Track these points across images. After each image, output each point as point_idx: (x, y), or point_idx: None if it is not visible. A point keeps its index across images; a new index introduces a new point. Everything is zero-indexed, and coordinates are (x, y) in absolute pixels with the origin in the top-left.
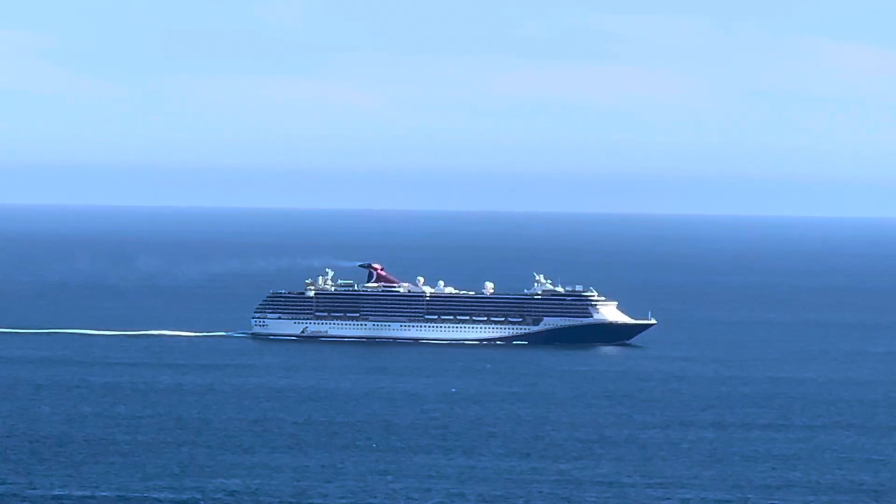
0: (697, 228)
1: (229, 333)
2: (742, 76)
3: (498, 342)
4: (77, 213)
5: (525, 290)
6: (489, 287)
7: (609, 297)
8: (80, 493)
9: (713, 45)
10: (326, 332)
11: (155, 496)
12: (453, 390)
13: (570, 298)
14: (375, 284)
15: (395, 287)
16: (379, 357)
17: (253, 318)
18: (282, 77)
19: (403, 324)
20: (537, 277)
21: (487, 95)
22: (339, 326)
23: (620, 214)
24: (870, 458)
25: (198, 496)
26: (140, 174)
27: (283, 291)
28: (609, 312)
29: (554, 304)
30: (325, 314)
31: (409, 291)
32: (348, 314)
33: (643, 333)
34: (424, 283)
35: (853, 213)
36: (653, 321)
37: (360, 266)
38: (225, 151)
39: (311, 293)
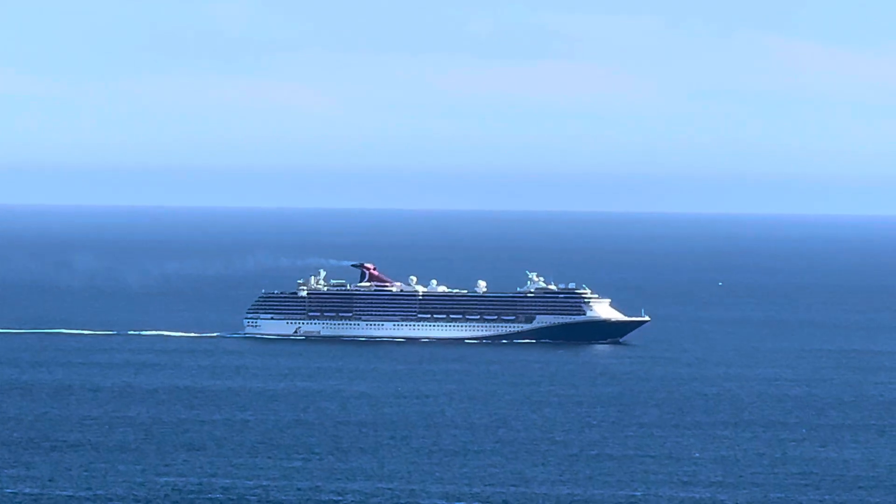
0: (644, 227)
1: (221, 334)
2: (691, 74)
3: (490, 341)
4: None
5: (518, 289)
6: (482, 286)
7: (602, 295)
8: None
9: (663, 44)
10: (319, 332)
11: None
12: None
13: (562, 296)
14: (368, 284)
15: (387, 286)
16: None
17: (246, 318)
18: (228, 76)
19: (396, 323)
20: (530, 276)
21: (435, 94)
22: (332, 326)
23: (568, 212)
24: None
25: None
26: (81, 174)
27: (276, 292)
28: (602, 310)
29: (547, 301)
30: (318, 314)
31: (401, 291)
32: (341, 314)
33: (636, 330)
34: (417, 283)
35: (803, 211)
36: (646, 318)
37: (352, 266)
38: (165, 151)
39: (304, 293)
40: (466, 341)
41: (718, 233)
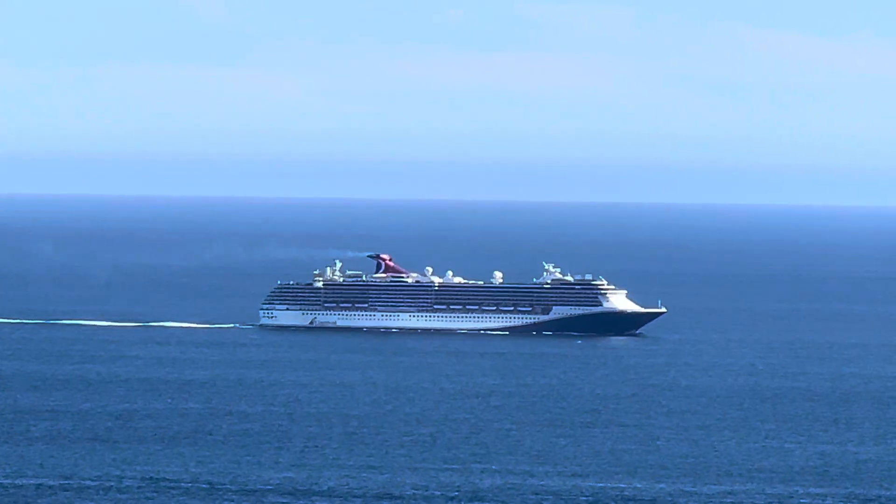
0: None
1: (237, 325)
2: (666, 64)
3: (507, 332)
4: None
5: (534, 280)
6: (498, 277)
7: (618, 286)
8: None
9: (637, 34)
10: (335, 322)
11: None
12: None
13: (579, 287)
14: (384, 275)
15: (403, 277)
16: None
17: (261, 309)
18: (205, 66)
19: (412, 314)
20: (546, 267)
21: (406, 83)
22: (348, 317)
23: (536, 203)
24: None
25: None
26: (59, 163)
27: (291, 283)
28: (618, 301)
29: (563, 293)
30: (334, 305)
31: (417, 282)
32: (357, 305)
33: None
34: (433, 274)
35: (780, 201)
36: (663, 309)
37: (368, 256)
38: (142, 140)
39: (320, 284)
40: (482, 332)
41: (705, 224)
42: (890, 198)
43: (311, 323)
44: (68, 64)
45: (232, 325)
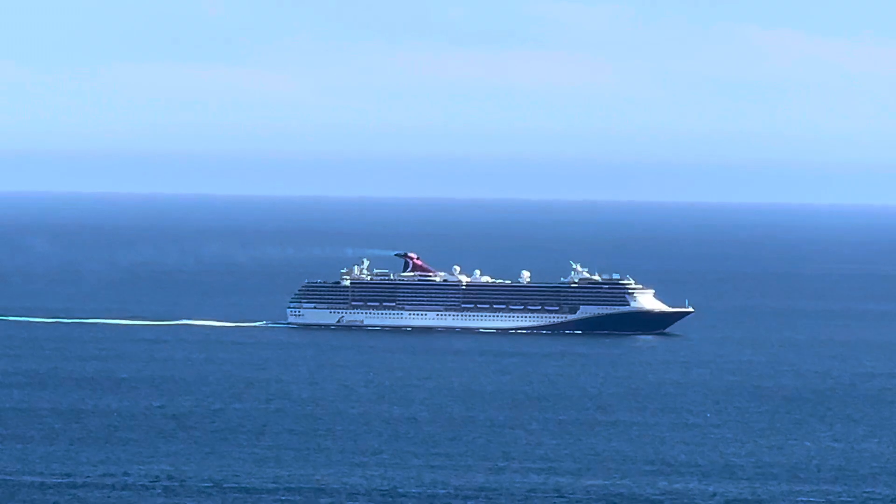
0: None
1: (265, 323)
2: (669, 63)
3: (534, 331)
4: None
5: (561, 279)
6: (525, 276)
7: (646, 286)
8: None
9: (640, 32)
10: (362, 321)
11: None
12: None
13: (606, 287)
14: (411, 273)
15: (431, 276)
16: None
17: (289, 307)
18: (204, 64)
19: (440, 313)
20: (574, 266)
21: (409, 80)
22: (375, 316)
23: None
24: None
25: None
26: (61, 161)
27: (319, 281)
28: (646, 300)
29: (590, 292)
30: (361, 303)
31: (445, 280)
32: (384, 303)
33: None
34: (461, 272)
35: (783, 199)
36: (690, 309)
37: (395, 255)
38: (142, 138)
39: (347, 282)
40: (510, 332)
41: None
42: None
43: (339, 321)
44: (68, 62)
45: (260, 324)
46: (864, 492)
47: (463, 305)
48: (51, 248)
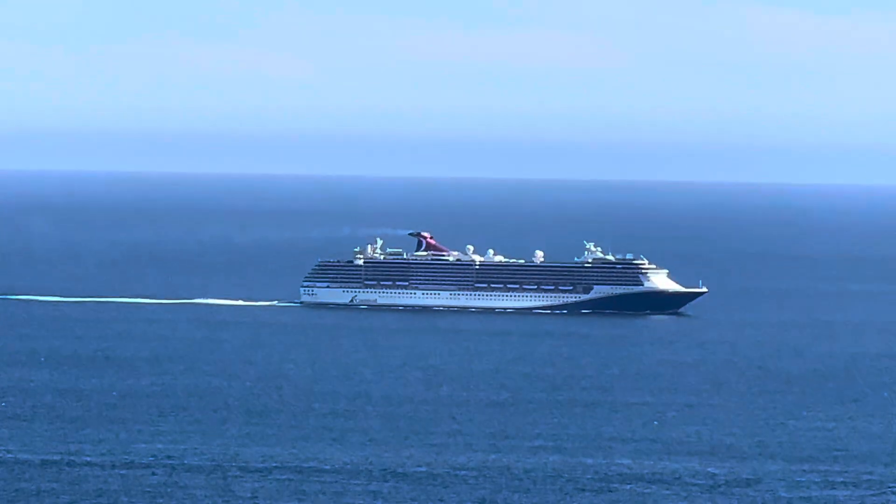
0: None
1: (278, 302)
2: (677, 43)
3: (547, 310)
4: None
5: (575, 259)
6: (539, 255)
7: (659, 266)
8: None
9: (640, 11)
10: (375, 300)
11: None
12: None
13: (620, 266)
14: (425, 253)
15: (444, 255)
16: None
17: (302, 286)
18: (202, 42)
19: (453, 292)
20: (587, 246)
21: (408, 60)
22: (389, 295)
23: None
24: None
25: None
26: (84, 139)
27: (333, 260)
28: (659, 280)
29: (604, 272)
30: (375, 283)
31: (458, 260)
32: (397, 283)
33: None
34: (474, 252)
35: (784, 180)
36: (704, 289)
37: (409, 234)
38: (140, 116)
39: (360, 262)
40: (523, 311)
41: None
42: None
43: (352, 301)
44: (69, 41)
45: (273, 303)
46: (863, 471)
47: (476, 285)
48: (75, 228)
